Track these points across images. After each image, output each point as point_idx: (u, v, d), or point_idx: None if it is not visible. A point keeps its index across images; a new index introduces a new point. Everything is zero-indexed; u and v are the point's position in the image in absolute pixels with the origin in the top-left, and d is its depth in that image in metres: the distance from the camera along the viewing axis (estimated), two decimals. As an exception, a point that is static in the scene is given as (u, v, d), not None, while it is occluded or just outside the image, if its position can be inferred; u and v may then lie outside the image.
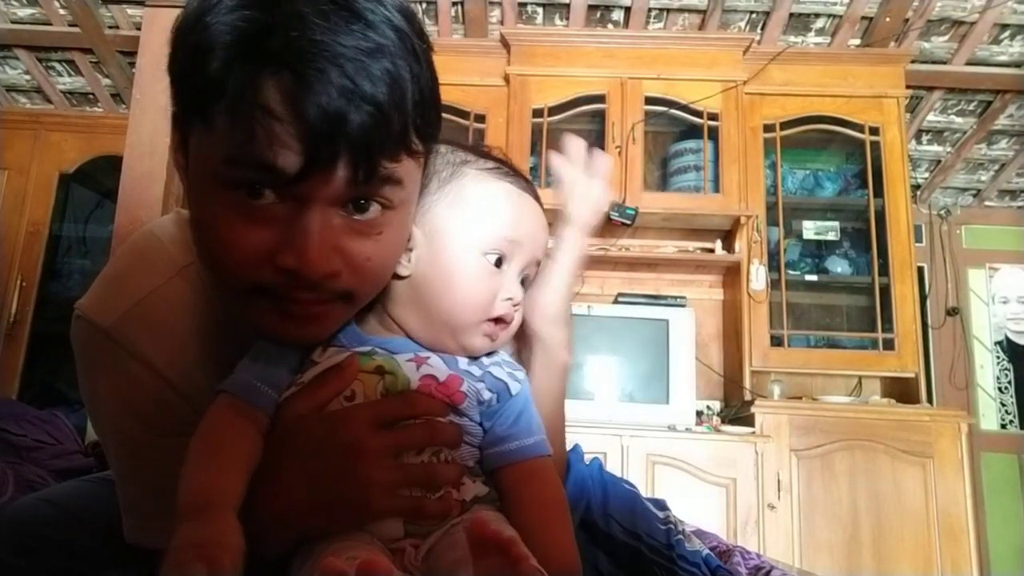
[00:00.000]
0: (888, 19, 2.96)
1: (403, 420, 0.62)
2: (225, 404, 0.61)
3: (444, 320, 0.66)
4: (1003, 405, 3.49)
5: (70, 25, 3.21)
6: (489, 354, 0.69)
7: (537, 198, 0.72)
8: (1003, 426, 3.47)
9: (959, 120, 3.39)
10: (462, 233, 0.67)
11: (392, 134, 0.53)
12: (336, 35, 0.50)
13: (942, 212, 3.65)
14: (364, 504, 0.57)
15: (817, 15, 3.04)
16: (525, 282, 0.71)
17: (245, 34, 0.50)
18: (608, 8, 3.08)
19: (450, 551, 0.56)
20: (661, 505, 1.03)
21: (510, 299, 0.68)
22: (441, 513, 0.60)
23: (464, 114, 3.06)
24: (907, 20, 2.97)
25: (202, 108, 0.53)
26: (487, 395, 0.66)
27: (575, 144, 0.79)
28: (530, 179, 0.75)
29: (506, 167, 0.72)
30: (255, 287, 0.57)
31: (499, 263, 0.68)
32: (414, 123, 0.55)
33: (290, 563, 0.59)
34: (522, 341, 0.75)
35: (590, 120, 3.16)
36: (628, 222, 2.83)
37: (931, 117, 3.36)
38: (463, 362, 0.67)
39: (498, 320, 0.67)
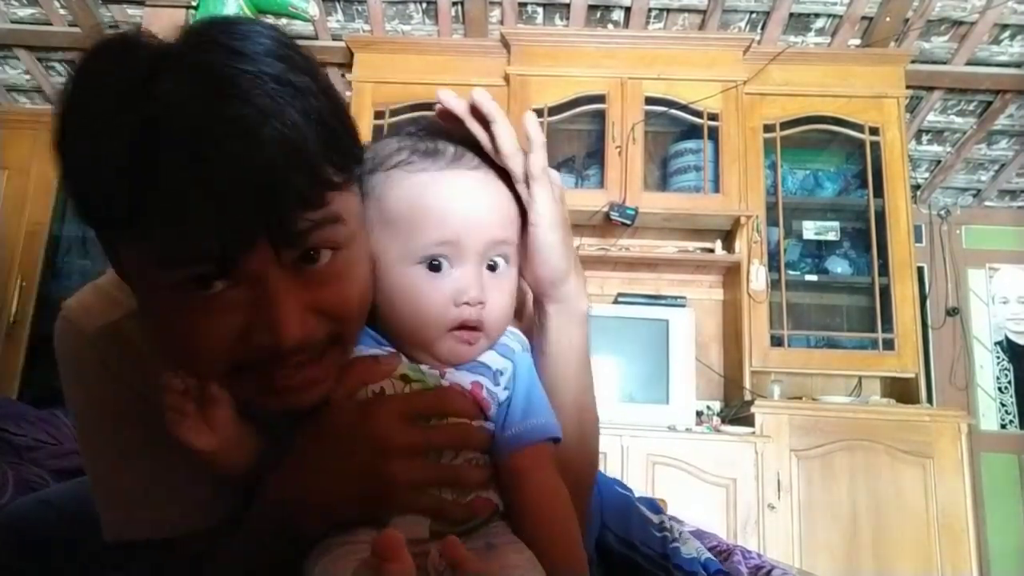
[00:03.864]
0: (888, 19, 2.96)
1: (434, 416, 0.61)
2: None
3: (405, 341, 0.63)
4: (1003, 405, 3.49)
5: (70, 25, 3.21)
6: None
7: (477, 159, 0.64)
8: (1003, 426, 3.47)
9: (959, 120, 3.39)
10: (388, 248, 0.62)
11: (307, 184, 0.51)
12: (216, 113, 0.49)
13: (942, 212, 3.64)
14: (387, 499, 0.58)
15: (817, 15, 3.04)
16: (498, 266, 0.64)
17: (130, 139, 0.48)
18: (608, 8, 3.08)
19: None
20: (656, 507, 1.02)
21: (467, 302, 0.61)
22: (465, 517, 0.59)
23: (464, 114, 3.06)
24: (907, 20, 2.97)
25: (114, 224, 0.52)
26: (504, 395, 0.64)
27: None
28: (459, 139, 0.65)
29: (424, 141, 0.64)
30: (234, 368, 0.56)
31: (436, 268, 0.61)
32: (327, 159, 0.53)
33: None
34: (535, 307, 0.71)
35: (590, 120, 3.16)
36: (628, 222, 2.83)
37: (931, 117, 3.36)
38: (477, 367, 0.64)
39: (466, 326, 0.62)
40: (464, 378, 0.63)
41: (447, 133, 0.66)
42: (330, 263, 0.56)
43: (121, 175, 0.48)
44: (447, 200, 0.61)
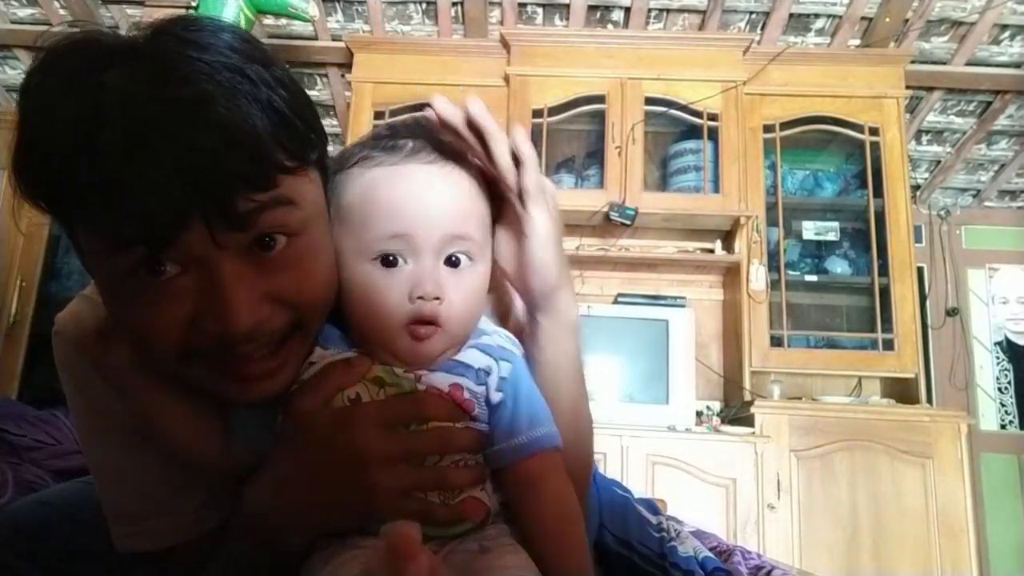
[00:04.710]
0: (888, 19, 2.96)
1: (413, 422, 0.60)
2: None
3: (363, 337, 0.63)
4: (1003, 405, 3.49)
5: (70, 25, 3.21)
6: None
7: (435, 152, 0.63)
8: (1003, 426, 3.46)
9: (959, 120, 3.39)
10: (345, 245, 0.62)
11: (250, 166, 0.51)
12: (157, 95, 0.49)
13: (942, 212, 3.64)
14: (371, 508, 0.57)
15: (817, 15, 3.04)
16: (460, 263, 0.62)
17: (75, 122, 0.49)
18: (608, 8, 3.08)
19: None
20: (654, 508, 1.01)
21: (421, 297, 0.59)
22: (454, 519, 0.58)
23: (464, 114, 3.06)
24: (907, 20, 2.97)
25: (65, 211, 0.53)
26: (496, 397, 0.62)
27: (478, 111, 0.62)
28: (427, 135, 0.64)
29: (387, 139, 0.64)
30: (188, 354, 0.55)
31: (391, 263, 0.60)
32: (277, 143, 0.53)
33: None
34: (527, 317, 0.70)
35: (590, 120, 3.16)
36: (628, 222, 2.83)
37: (931, 117, 3.36)
38: (456, 367, 0.63)
39: (422, 321, 0.60)
40: (442, 380, 0.61)
41: (426, 133, 0.64)
42: (286, 249, 0.55)
43: (64, 156, 0.49)
44: (398, 193, 0.61)
